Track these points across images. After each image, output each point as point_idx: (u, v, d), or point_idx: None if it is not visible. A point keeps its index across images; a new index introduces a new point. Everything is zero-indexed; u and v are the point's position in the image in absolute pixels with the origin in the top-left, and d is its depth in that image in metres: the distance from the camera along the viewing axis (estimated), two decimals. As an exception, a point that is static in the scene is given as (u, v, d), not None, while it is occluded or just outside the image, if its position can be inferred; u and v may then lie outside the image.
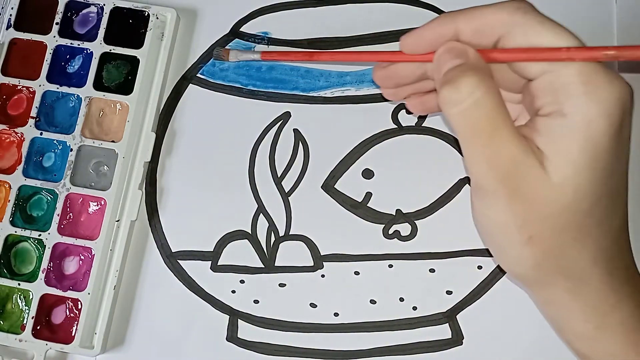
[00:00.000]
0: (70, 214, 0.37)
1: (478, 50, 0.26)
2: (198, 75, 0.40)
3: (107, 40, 0.38)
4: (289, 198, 0.38)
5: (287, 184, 0.38)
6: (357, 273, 0.37)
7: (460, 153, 0.37)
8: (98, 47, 0.38)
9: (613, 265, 0.27)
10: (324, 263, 0.37)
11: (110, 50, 0.38)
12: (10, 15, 0.39)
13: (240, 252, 0.37)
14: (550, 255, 0.26)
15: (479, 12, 0.27)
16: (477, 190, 0.27)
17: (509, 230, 0.26)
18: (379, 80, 0.32)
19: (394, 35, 0.39)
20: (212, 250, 0.37)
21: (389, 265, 0.37)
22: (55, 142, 0.37)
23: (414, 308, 0.36)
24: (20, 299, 0.36)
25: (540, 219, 0.25)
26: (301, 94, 0.39)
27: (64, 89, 0.38)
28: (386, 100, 0.38)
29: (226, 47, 0.38)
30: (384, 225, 0.37)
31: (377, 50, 0.36)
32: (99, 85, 0.38)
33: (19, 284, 0.36)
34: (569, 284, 0.27)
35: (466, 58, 0.26)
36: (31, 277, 0.36)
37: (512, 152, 0.24)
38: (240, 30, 0.40)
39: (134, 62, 0.38)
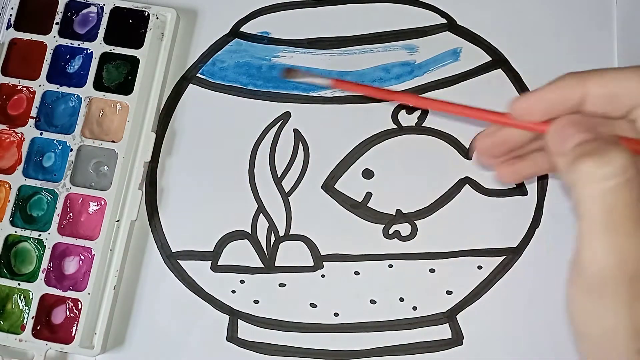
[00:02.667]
0: (70, 214, 0.37)
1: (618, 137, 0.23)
2: (198, 75, 0.40)
3: (107, 40, 0.38)
4: (289, 198, 0.38)
5: (287, 184, 0.38)
6: (357, 273, 0.37)
7: (461, 153, 0.37)
8: (98, 47, 0.38)
9: None
10: (324, 263, 0.37)
11: (110, 50, 0.38)
12: (10, 15, 0.39)
13: (240, 252, 0.37)
14: None
15: (612, 75, 0.23)
16: (590, 284, 0.23)
17: (616, 336, 0.22)
18: (483, 148, 0.28)
19: (394, 35, 0.39)
20: (212, 250, 0.37)
21: (389, 265, 0.37)
22: (55, 142, 0.37)
23: (414, 308, 0.36)
24: (20, 299, 0.36)
25: None
26: (301, 94, 0.39)
27: (64, 89, 0.38)
28: (386, 100, 0.38)
29: (294, 69, 0.35)
30: (384, 225, 0.37)
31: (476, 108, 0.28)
32: (99, 85, 0.38)
33: (19, 284, 0.36)
34: None
35: (597, 133, 0.22)
36: (31, 277, 0.36)
37: None
38: (240, 30, 0.40)
39: (134, 62, 0.38)
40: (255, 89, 0.39)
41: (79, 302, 0.35)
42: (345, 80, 0.32)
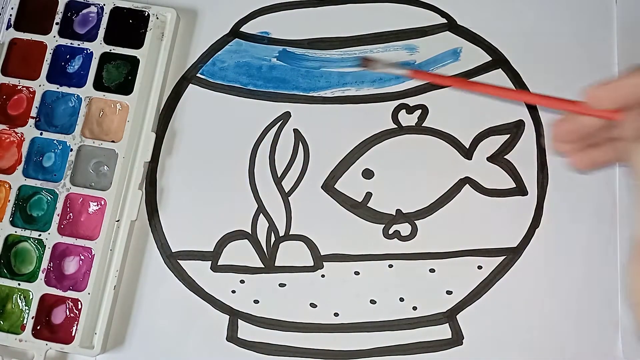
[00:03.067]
0: (70, 214, 0.37)
1: None
2: (198, 75, 0.40)
3: (107, 40, 0.38)
4: (289, 198, 0.38)
5: (287, 184, 0.38)
6: (357, 273, 0.37)
7: (461, 153, 0.37)
8: (98, 47, 0.38)
9: None
10: (324, 263, 0.37)
11: (110, 50, 0.38)
12: (10, 15, 0.39)
13: (240, 252, 0.37)
14: None
15: None
16: None
17: None
18: (560, 134, 0.29)
19: (394, 35, 0.39)
20: (212, 250, 0.37)
21: (389, 265, 0.37)
22: (55, 142, 0.37)
23: (414, 308, 0.36)
24: (20, 299, 0.36)
25: None
26: (301, 94, 0.39)
27: (64, 89, 0.38)
28: (386, 100, 0.38)
29: (372, 58, 0.35)
30: (384, 225, 0.37)
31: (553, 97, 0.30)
32: (99, 85, 0.38)
33: (19, 284, 0.36)
34: None
35: None
36: (31, 277, 0.36)
37: None
38: (240, 30, 0.40)
39: (134, 62, 0.38)
40: (255, 89, 0.39)
41: (79, 302, 0.35)
42: (423, 71, 0.33)
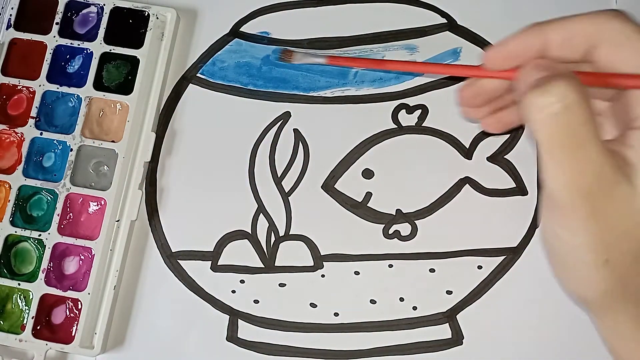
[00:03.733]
0: (70, 214, 0.37)
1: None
2: (198, 75, 0.40)
3: (107, 40, 0.38)
4: (289, 198, 0.38)
5: (287, 184, 0.38)
6: (357, 273, 0.37)
7: (461, 153, 0.37)
8: (98, 47, 0.38)
9: None
10: (324, 263, 0.37)
11: (110, 50, 0.38)
12: (10, 15, 0.39)
13: (240, 252, 0.37)
14: (625, 282, 0.24)
15: (570, 21, 0.25)
16: (552, 206, 0.25)
17: (583, 252, 0.24)
18: (465, 99, 0.30)
19: (394, 35, 0.39)
20: (212, 250, 0.37)
21: (389, 265, 0.37)
22: (55, 142, 0.38)
23: (414, 308, 0.36)
24: (20, 299, 0.36)
25: (620, 241, 0.23)
26: (301, 94, 0.39)
27: (64, 89, 0.38)
28: (386, 100, 0.38)
29: (290, 49, 0.36)
30: (384, 225, 0.37)
31: (454, 64, 0.33)
32: (99, 85, 0.38)
33: (19, 284, 0.36)
34: (638, 311, 0.25)
35: (555, 71, 0.24)
36: (31, 277, 0.36)
37: (598, 166, 0.23)
38: (240, 30, 0.40)
39: (134, 62, 0.38)
40: (255, 89, 0.39)
41: (79, 302, 0.35)
42: (340, 56, 0.34)
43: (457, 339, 0.36)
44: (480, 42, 0.39)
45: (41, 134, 0.37)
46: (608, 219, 0.23)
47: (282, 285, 0.37)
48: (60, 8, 0.39)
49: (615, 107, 0.27)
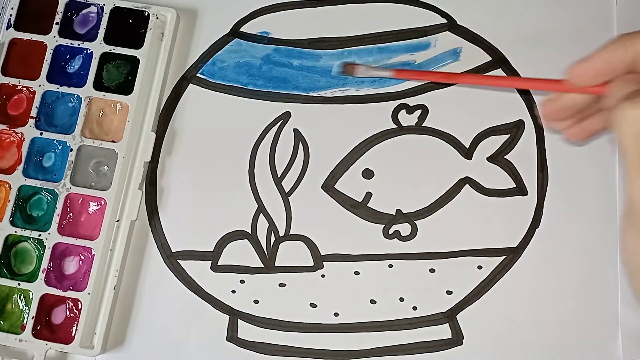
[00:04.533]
0: (70, 214, 0.37)
1: None
2: (198, 75, 0.40)
3: (107, 40, 0.38)
4: (289, 198, 0.38)
5: (287, 184, 0.38)
6: (357, 273, 0.37)
7: (461, 153, 0.37)
8: (98, 47, 0.38)
9: None
10: (324, 263, 0.37)
11: (110, 50, 0.38)
12: (10, 15, 0.39)
13: (240, 252, 0.37)
14: None
15: None
16: (638, 223, 0.23)
17: None
18: (549, 113, 0.29)
19: (394, 35, 0.39)
20: (212, 250, 0.37)
21: (389, 265, 0.37)
22: (55, 142, 0.37)
23: (414, 308, 0.36)
24: (20, 299, 0.36)
25: None
26: (301, 94, 0.39)
27: (64, 89, 0.38)
28: (386, 100, 0.38)
29: (353, 63, 0.36)
30: (384, 225, 0.37)
31: (537, 79, 0.31)
32: (99, 85, 0.38)
33: (19, 284, 0.36)
34: None
35: None
36: (31, 277, 0.36)
37: None
38: (240, 30, 0.40)
39: (134, 62, 0.38)
40: (255, 89, 0.39)
41: (79, 302, 0.35)
42: (407, 70, 0.33)
43: (457, 339, 0.36)
44: (480, 42, 0.39)
45: (41, 134, 0.37)
46: None
47: (282, 285, 0.37)
48: (60, 8, 0.39)
49: None
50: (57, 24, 0.39)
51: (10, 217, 0.36)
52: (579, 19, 0.39)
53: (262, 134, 0.39)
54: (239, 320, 0.36)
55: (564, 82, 0.28)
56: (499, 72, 0.39)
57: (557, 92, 0.29)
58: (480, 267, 0.36)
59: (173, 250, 0.38)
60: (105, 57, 0.38)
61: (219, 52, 0.40)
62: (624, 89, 0.24)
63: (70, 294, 0.35)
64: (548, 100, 0.29)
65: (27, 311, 0.36)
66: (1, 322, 0.36)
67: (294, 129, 0.39)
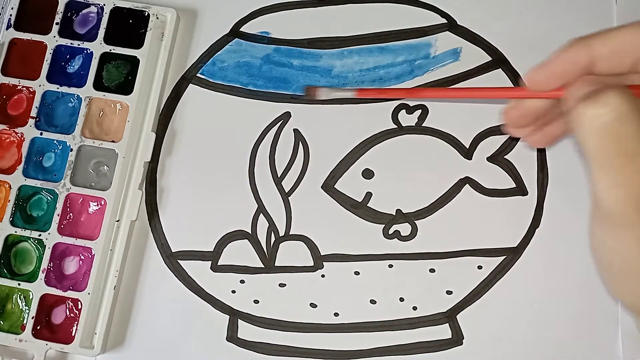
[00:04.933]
0: (70, 214, 0.37)
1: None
2: (198, 75, 0.40)
3: (107, 40, 0.38)
4: (289, 198, 0.38)
5: (287, 184, 0.38)
6: (357, 273, 0.37)
7: (461, 153, 0.37)
8: (98, 47, 0.38)
9: None
10: (324, 263, 0.37)
11: (110, 50, 0.38)
12: (10, 15, 0.39)
13: (240, 252, 0.37)
14: None
15: (614, 33, 0.25)
16: (604, 218, 0.24)
17: (638, 262, 0.23)
18: (511, 120, 0.29)
19: (394, 35, 0.39)
20: (212, 250, 0.37)
21: (389, 265, 0.37)
22: (55, 142, 0.37)
23: (414, 308, 0.36)
24: (20, 299, 0.36)
25: None
26: (301, 94, 0.39)
27: (64, 89, 0.38)
28: (386, 100, 0.38)
29: (314, 87, 0.36)
30: (384, 225, 0.37)
31: (496, 88, 0.32)
32: (99, 85, 0.38)
33: (19, 284, 0.36)
34: None
35: (605, 84, 0.24)
36: (31, 277, 0.36)
37: None
38: (240, 30, 0.40)
39: (134, 62, 0.38)
40: (255, 89, 0.39)
41: (79, 302, 0.35)
42: (369, 89, 0.34)
43: (457, 339, 0.36)
44: (480, 42, 0.39)
45: (41, 134, 0.37)
46: None
47: (282, 285, 0.37)
48: (60, 8, 0.39)
49: None
50: (57, 24, 0.39)
51: (10, 217, 0.36)
52: (579, 19, 0.39)
53: (262, 134, 0.39)
54: (239, 320, 0.36)
55: (523, 89, 0.27)
56: (499, 72, 0.39)
57: (516, 99, 0.29)
58: (480, 267, 0.36)
59: (173, 250, 0.38)
60: (105, 57, 0.38)
61: (219, 52, 0.40)
62: (582, 89, 0.24)
63: (70, 294, 0.35)
64: (509, 108, 0.29)
65: (27, 311, 0.36)
66: (1, 322, 0.36)
67: (294, 129, 0.39)
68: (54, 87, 0.38)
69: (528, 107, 0.28)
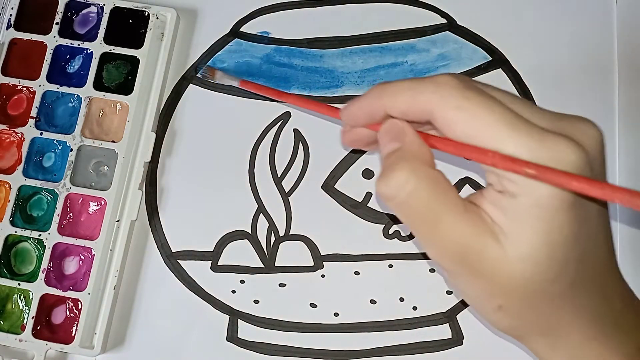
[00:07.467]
0: (70, 214, 0.37)
1: (418, 132, 0.25)
2: (198, 75, 0.40)
3: (107, 40, 0.38)
4: (289, 198, 0.38)
5: (287, 184, 0.38)
6: (357, 273, 0.37)
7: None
8: (98, 47, 0.38)
9: (599, 315, 0.25)
10: (324, 263, 0.37)
11: (110, 50, 0.38)
12: (10, 15, 0.39)
13: (240, 252, 0.37)
14: (524, 319, 0.25)
15: (403, 89, 0.24)
16: (439, 268, 0.26)
17: (479, 300, 0.25)
18: (349, 143, 0.30)
19: (394, 35, 0.39)
20: (212, 250, 0.37)
21: (389, 265, 0.37)
22: (55, 142, 0.37)
23: (414, 308, 0.36)
24: (20, 299, 0.36)
25: (505, 291, 0.24)
26: (301, 94, 0.39)
27: (64, 89, 0.38)
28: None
29: (212, 67, 0.39)
30: (384, 225, 0.37)
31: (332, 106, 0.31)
32: (99, 85, 0.38)
33: (19, 284, 0.36)
34: (549, 340, 0.25)
35: (402, 141, 0.24)
36: (31, 277, 0.36)
37: (461, 236, 0.23)
38: (240, 30, 0.40)
39: (134, 62, 0.38)
40: (255, 89, 0.39)
41: (79, 302, 0.35)
42: (249, 82, 0.36)
43: (457, 339, 0.36)
44: (480, 42, 0.39)
45: (41, 134, 0.37)
46: (487, 275, 0.23)
47: (282, 285, 0.37)
48: (60, 8, 0.39)
49: None
50: (57, 24, 0.39)
51: (10, 217, 0.36)
52: (579, 19, 0.39)
53: (262, 134, 0.39)
54: (239, 320, 0.36)
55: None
56: (499, 72, 0.39)
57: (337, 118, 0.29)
58: (480, 267, 0.36)
59: (173, 250, 0.38)
60: (105, 57, 0.38)
61: (219, 52, 0.40)
62: (385, 143, 0.25)
63: (70, 294, 0.35)
64: (342, 132, 0.29)
65: (27, 311, 0.36)
66: (1, 322, 0.36)
67: (294, 129, 0.39)
68: (54, 87, 0.38)
69: (358, 133, 0.28)
